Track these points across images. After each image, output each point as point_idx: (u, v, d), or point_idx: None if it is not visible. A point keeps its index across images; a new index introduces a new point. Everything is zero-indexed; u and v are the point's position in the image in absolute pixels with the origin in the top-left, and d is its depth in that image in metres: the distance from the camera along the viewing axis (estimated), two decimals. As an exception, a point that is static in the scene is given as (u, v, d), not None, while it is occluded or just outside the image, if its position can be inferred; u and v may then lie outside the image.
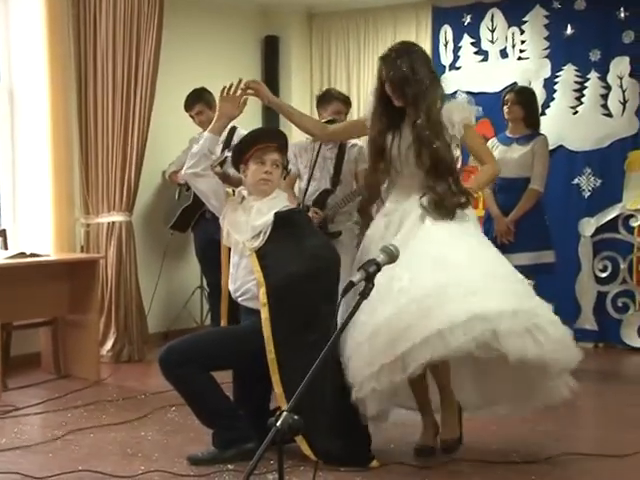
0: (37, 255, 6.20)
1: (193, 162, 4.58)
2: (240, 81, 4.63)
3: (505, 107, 6.62)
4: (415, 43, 4.75)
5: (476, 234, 4.47)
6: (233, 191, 4.73)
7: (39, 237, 6.90)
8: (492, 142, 6.76)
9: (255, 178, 4.48)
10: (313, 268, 4.37)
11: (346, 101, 6.29)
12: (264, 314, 4.30)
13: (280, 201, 4.56)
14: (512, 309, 3.99)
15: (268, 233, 4.40)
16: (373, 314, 4.06)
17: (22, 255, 6.10)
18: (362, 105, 6.61)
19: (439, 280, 4.05)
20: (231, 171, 5.95)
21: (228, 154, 6.41)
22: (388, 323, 4.05)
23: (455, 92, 8.04)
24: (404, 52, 4.46)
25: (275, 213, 4.42)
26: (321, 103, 6.29)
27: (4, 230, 6.74)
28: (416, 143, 4.41)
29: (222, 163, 6.57)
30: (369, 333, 4.11)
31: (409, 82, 4.37)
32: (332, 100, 6.24)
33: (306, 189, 5.89)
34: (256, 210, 4.50)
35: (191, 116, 7.00)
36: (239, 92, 4.63)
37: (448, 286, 4.02)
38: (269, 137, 4.61)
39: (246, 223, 4.49)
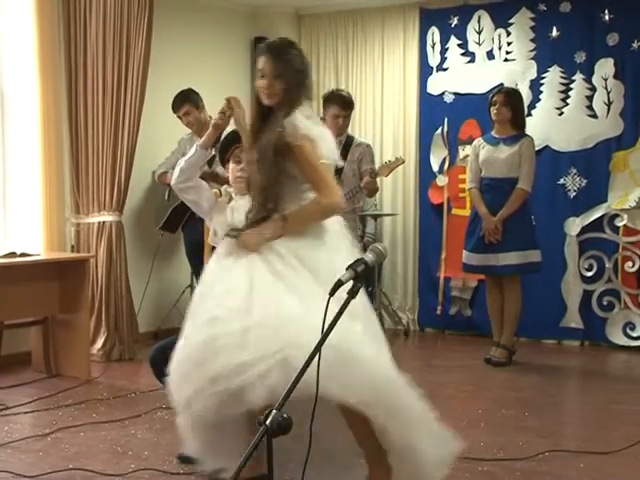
0: (28, 255, 6.23)
1: (183, 177, 4.40)
2: (228, 100, 4.32)
3: (493, 108, 6.69)
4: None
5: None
6: (220, 191, 4.69)
7: (30, 237, 6.90)
8: (478, 142, 6.87)
9: (233, 176, 4.44)
10: None
11: (347, 104, 6.35)
12: None
13: None
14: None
15: None
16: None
17: (13, 255, 6.13)
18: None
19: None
20: (220, 170, 5.99)
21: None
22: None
23: (442, 93, 8.13)
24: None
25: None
26: (324, 104, 6.39)
27: (-5, 230, 6.76)
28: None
29: (210, 162, 6.61)
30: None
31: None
32: (332, 103, 6.32)
33: None
34: (242, 210, 4.43)
35: (179, 117, 7.03)
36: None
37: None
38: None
39: (232, 223, 4.43)
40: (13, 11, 6.88)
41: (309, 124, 3.75)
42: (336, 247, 3.79)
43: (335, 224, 3.89)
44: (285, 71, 3.76)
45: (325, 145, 3.77)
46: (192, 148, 4.47)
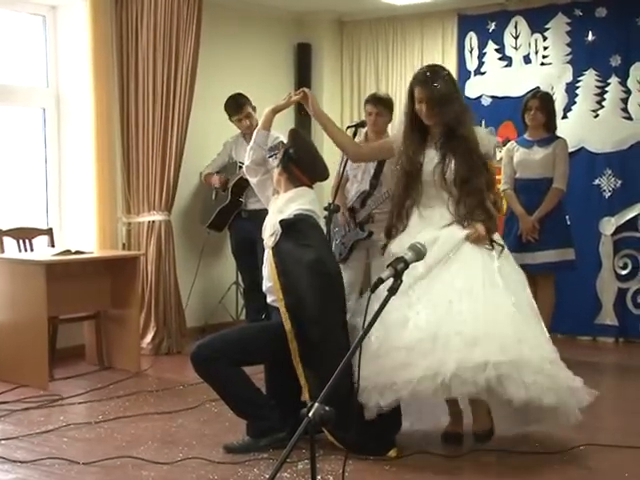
0: (81, 252, 6.32)
1: (248, 155, 4.84)
2: (303, 91, 4.91)
3: (528, 113, 6.74)
4: (443, 66, 4.86)
5: (503, 271, 4.51)
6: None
7: (83, 235, 7.05)
8: (512, 144, 6.93)
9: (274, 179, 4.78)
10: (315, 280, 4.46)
11: (379, 101, 6.42)
12: (282, 308, 4.44)
13: (297, 202, 4.63)
14: (509, 359, 4.15)
15: (279, 236, 4.49)
16: (387, 337, 4.29)
17: (67, 252, 6.23)
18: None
19: (447, 326, 4.23)
20: None
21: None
22: (396, 352, 4.26)
23: (480, 96, 8.19)
24: (437, 73, 4.59)
25: (280, 220, 4.52)
26: (364, 106, 6.50)
27: (51, 229, 6.89)
28: (441, 164, 4.54)
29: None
30: (383, 352, 4.30)
31: (447, 101, 4.51)
32: (367, 102, 6.43)
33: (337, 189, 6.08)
34: (276, 209, 4.65)
35: (237, 120, 7.03)
36: (292, 98, 4.92)
37: (454, 335, 4.21)
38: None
39: (269, 221, 4.66)
40: (70, 20, 7.06)
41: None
42: None
43: None
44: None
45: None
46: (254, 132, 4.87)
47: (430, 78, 4.54)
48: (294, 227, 4.55)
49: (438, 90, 4.50)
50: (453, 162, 4.54)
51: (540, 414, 4.46)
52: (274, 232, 4.53)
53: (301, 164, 4.69)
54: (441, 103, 4.50)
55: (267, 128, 4.86)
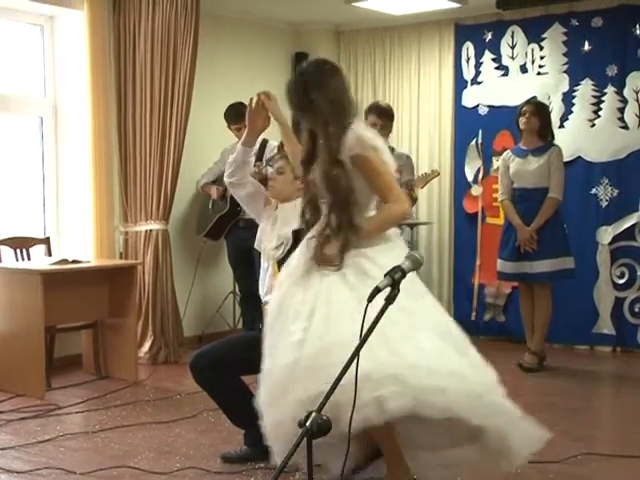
0: (79, 261, 6.32)
1: (229, 171, 4.58)
2: (258, 95, 4.44)
3: (522, 118, 6.78)
4: (306, 65, 4.15)
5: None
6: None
7: (81, 244, 7.05)
8: (507, 154, 6.96)
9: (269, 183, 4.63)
10: None
11: (383, 113, 6.48)
12: None
13: None
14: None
15: (289, 246, 4.39)
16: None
17: (65, 261, 6.23)
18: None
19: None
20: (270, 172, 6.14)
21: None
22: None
23: (477, 106, 8.22)
24: (291, 82, 4.08)
25: (293, 230, 4.40)
26: (365, 115, 6.51)
27: (48, 238, 6.89)
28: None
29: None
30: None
31: (302, 111, 4.00)
32: (370, 113, 6.47)
33: None
34: (280, 219, 4.55)
35: (238, 128, 6.96)
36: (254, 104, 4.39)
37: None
38: (282, 146, 4.70)
39: (272, 231, 4.55)
40: (68, 29, 7.07)
41: (371, 134, 3.90)
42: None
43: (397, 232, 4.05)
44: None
45: (387, 154, 3.93)
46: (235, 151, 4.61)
47: (287, 92, 4.04)
48: None
49: (292, 104, 4.03)
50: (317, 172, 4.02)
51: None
52: (282, 243, 4.46)
53: None
54: (300, 115, 4.04)
55: (252, 145, 4.64)
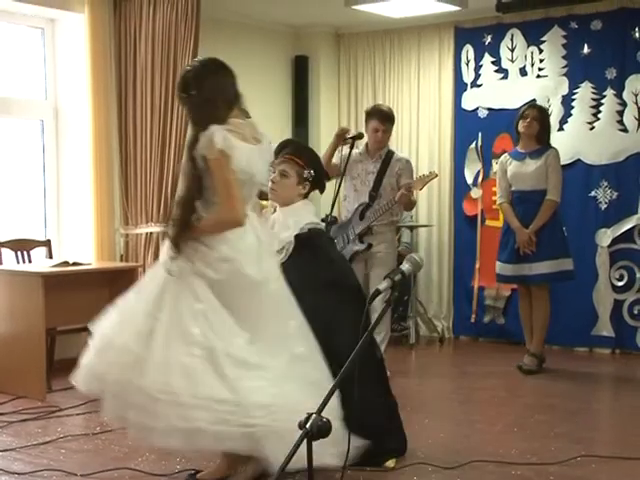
0: (79, 264, 6.34)
1: None
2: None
3: (523, 121, 6.79)
4: (193, 63, 4.38)
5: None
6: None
7: (81, 247, 7.06)
8: (505, 158, 6.98)
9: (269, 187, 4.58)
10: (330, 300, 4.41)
11: (385, 118, 6.47)
12: None
13: (304, 216, 4.57)
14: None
15: (290, 251, 4.42)
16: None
17: (65, 264, 6.24)
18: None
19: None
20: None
21: None
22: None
23: (476, 108, 8.24)
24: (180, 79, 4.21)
25: (296, 235, 4.44)
26: (365, 118, 6.53)
27: (49, 240, 6.91)
28: None
29: None
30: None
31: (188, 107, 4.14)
32: (372, 117, 6.47)
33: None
34: (280, 223, 4.55)
35: None
36: None
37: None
38: (285, 148, 4.68)
39: (273, 235, 4.51)
40: (69, 32, 7.09)
41: (228, 138, 3.90)
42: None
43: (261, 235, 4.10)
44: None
45: (243, 161, 3.94)
46: None
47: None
48: (312, 242, 4.52)
49: (177, 97, 4.32)
50: None
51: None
52: (284, 247, 4.46)
53: (319, 183, 4.70)
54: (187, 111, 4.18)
55: None
